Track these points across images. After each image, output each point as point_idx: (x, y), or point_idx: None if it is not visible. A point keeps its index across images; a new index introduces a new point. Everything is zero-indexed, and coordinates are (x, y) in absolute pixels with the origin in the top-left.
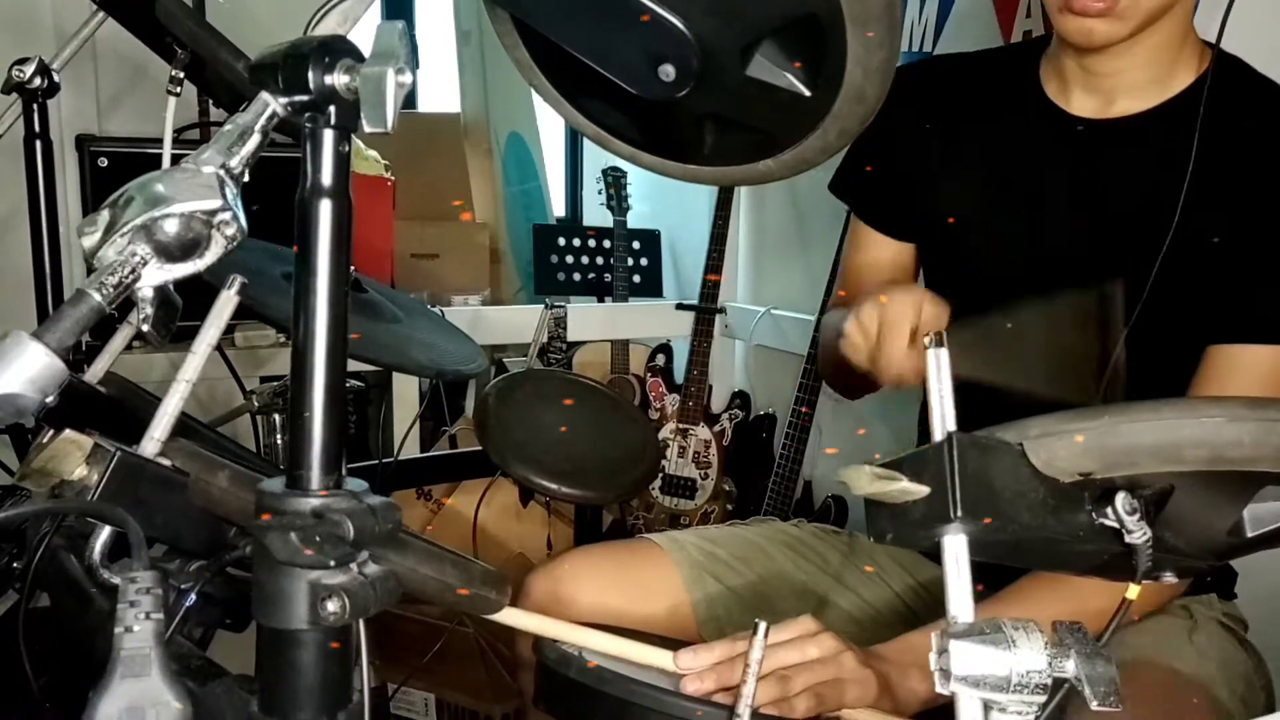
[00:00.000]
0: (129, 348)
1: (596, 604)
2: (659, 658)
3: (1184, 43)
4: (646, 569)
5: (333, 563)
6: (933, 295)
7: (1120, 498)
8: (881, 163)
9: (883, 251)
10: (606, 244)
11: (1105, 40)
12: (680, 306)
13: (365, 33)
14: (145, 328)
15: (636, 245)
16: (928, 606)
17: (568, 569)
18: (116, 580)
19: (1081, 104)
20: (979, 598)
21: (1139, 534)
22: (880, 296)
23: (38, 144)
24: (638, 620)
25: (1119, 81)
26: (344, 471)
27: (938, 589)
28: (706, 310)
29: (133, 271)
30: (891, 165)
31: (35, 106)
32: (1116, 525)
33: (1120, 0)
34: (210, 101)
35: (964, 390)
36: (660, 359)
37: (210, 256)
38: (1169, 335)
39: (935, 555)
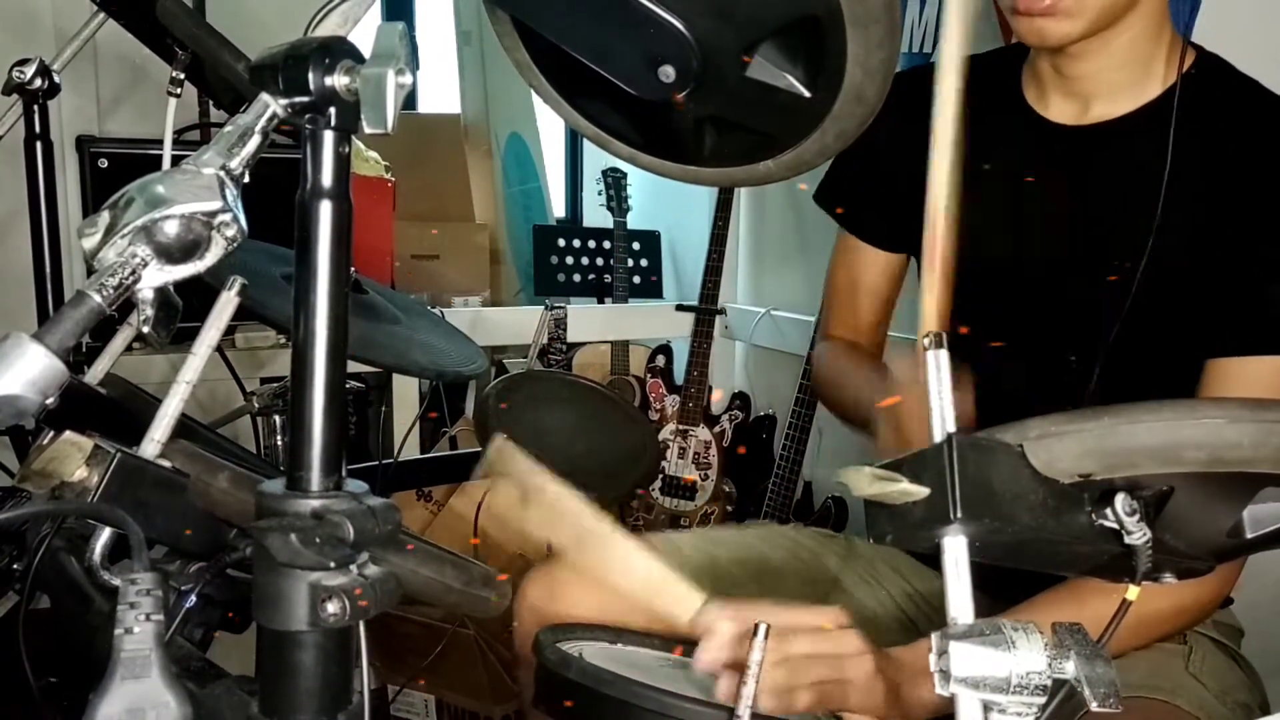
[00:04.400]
0: (129, 349)
1: (593, 607)
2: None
3: (1159, 43)
4: None
5: (333, 564)
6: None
7: (1120, 499)
8: (868, 174)
9: (871, 263)
10: (606, 245)
11: (1060, 40)
12: (680, 307)
13: (365, 34)
14: (145, 329)
15: (636, 246)
16: (925, 615)
17: (564, 572)
18: (116, 582)
19: (1060, 110)
20: (984, 612)
21: (1138, 535)
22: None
23: (38, 145)
24: (633, 618)
25: (1094, 85)
26: (344, 473)
27: (936, 599)
28: (706, 311)
29: (133, 273)
30: (878, 176)
31: (36, 107)
32: (1116, 526)
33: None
34: (210, 102)
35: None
36: (660, 360)
37: (210, 258)
38: (1161, 343)
39: (934, 558)
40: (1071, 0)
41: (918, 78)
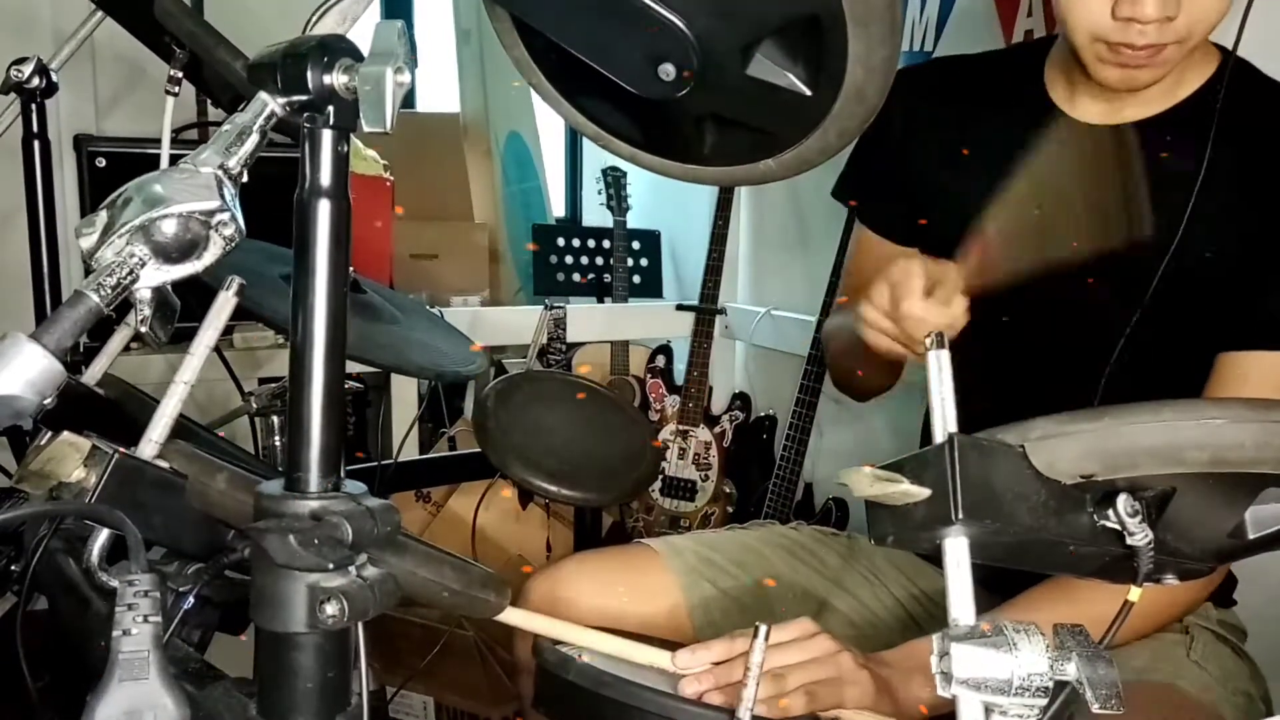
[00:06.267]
0: (127, 349)
1: (595, 608)
2: (658, 658)
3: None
4: (644, 573)
5: (331, 565)
6: (930, 257)
7: (1122, 500)
8: (886, 166)
9: (887, 258)
10: (606, 244)
11: (1149, 83)
12: (680, 307)
13: (364, 32)
14: (143, 329)
15: (636, 245)
16: (928, 613)
17: (566, 573)
18: (114, 583)
19: (1088, 110)
20: (986, 607)
21: (1140, 536)
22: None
23: (36, 144)
24: (636, 624)
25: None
26: (342, 474)
27: (938, 597)
28: (706, 311)
29: (131, 272)
30: (896, 169)
31: (33, 106)
32: (1118, 527)
33: (1164, 50)
34: (209, 101)
35: (966, 392)
36: (660, 360)
37: (208, 257)
38: (1179, 341)
39: (936, 558)
40: (1173, 49)
41: (933, 72)
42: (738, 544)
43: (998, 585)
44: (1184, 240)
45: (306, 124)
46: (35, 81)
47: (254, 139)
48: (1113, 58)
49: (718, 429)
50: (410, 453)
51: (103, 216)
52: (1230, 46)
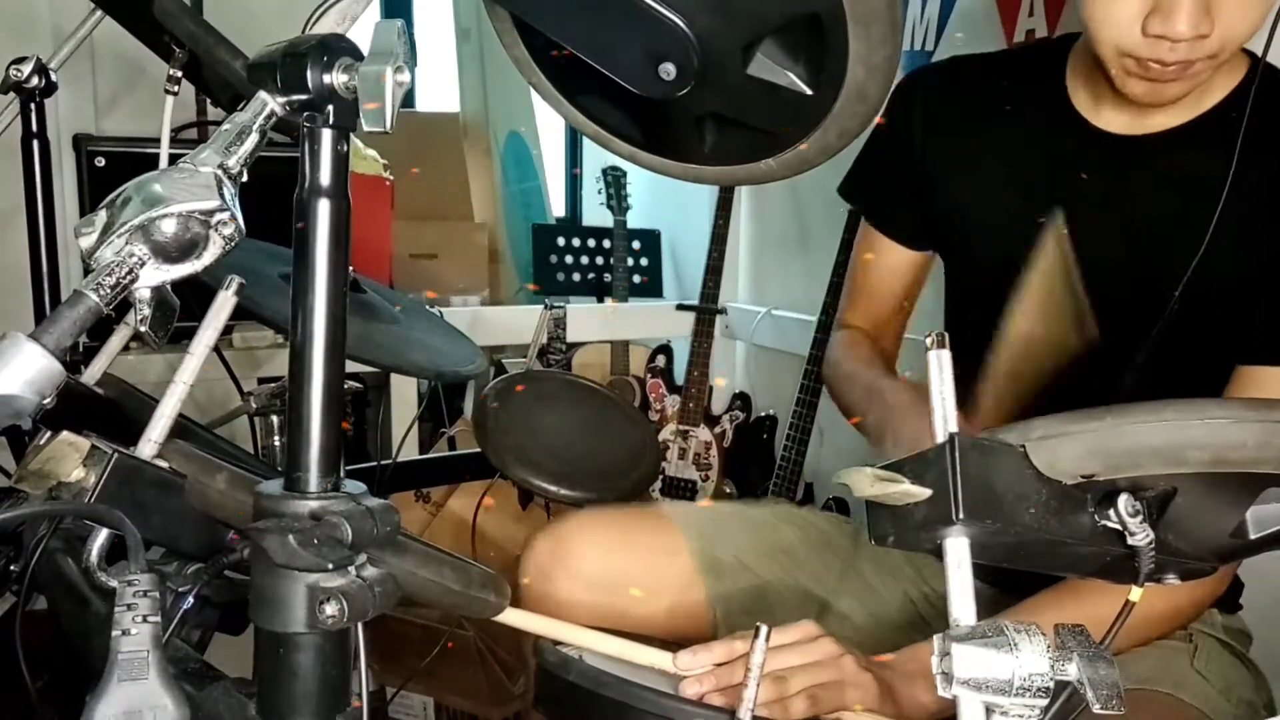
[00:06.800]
0: (126, 349)
1: (601, 566)
2: (659, 659)
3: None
4: (653, 533)
5: (331, 565)
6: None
7: (1123, 500)
8: (897, 166)
9: (895, 259)
10: (606, 244)
11: (1177, 97)
12: (681, 307)
13: (364, 31)
14: (143, 329)
15: (636, 245)
16: (934, 607)
17: (572, 529)
18: (114, 583)
19: (1111, 119)
20: (994, 604)
21: (1142, 536)
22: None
23: (35, 144)
24: (642, 583)
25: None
26: (342, 473)
27: (944, 589)
28: (707, 311)
29: (130, 272)
30: (908, 169)
31: (33, 106)
32: (1119, 527)
33: (1194, 64)
34: (208, 101)
35: (968, 393)
36: (660, 360)
37: (208, 257)
38: (1201, 353)
39: (938, 558)
40: (1204, 64)
41: (949, 71)
42: (748, 514)
43: (1006, 582)
44: (1209, 251)
45: (306, 123)
46: (34, 81)
47: (253, 138)
48: (1141, 72)
49: (718, 429)
50: (410, 453)
51: (102, 216)
52: (1259, 53)
